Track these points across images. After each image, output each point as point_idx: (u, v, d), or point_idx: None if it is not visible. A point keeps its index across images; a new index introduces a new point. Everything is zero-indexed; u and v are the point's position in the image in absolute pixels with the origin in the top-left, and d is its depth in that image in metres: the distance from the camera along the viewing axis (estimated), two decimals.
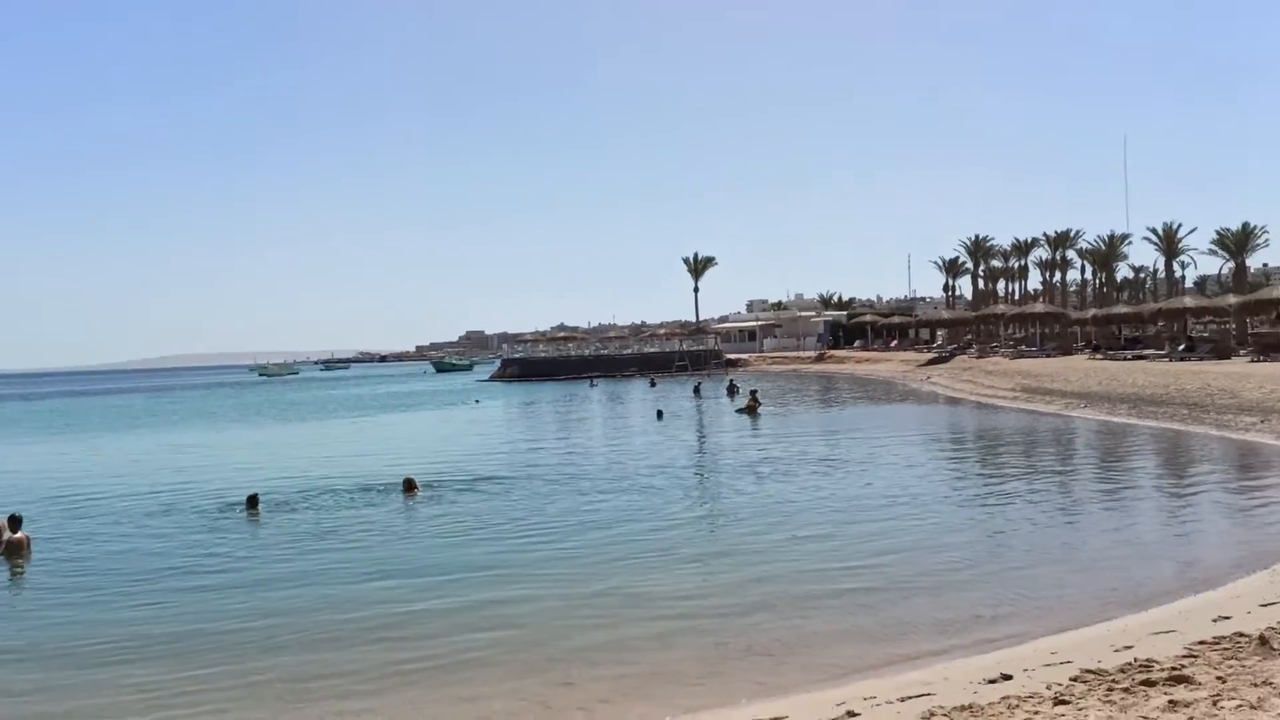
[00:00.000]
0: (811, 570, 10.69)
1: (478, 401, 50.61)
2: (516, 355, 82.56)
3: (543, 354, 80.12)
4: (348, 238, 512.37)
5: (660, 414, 33.87)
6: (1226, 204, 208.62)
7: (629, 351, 79.71)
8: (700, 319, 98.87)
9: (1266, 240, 60.22)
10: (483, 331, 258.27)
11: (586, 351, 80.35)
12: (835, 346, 78.15)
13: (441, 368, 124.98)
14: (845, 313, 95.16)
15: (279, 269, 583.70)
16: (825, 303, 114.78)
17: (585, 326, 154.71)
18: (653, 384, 58.04)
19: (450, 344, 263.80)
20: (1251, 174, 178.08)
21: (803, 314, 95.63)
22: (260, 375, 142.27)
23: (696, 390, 47.12)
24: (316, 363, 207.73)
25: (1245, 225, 59.98)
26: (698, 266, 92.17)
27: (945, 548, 11.60)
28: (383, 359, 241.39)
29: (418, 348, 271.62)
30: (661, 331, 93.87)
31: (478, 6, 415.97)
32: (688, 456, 22.62)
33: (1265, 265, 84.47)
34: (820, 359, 72.39)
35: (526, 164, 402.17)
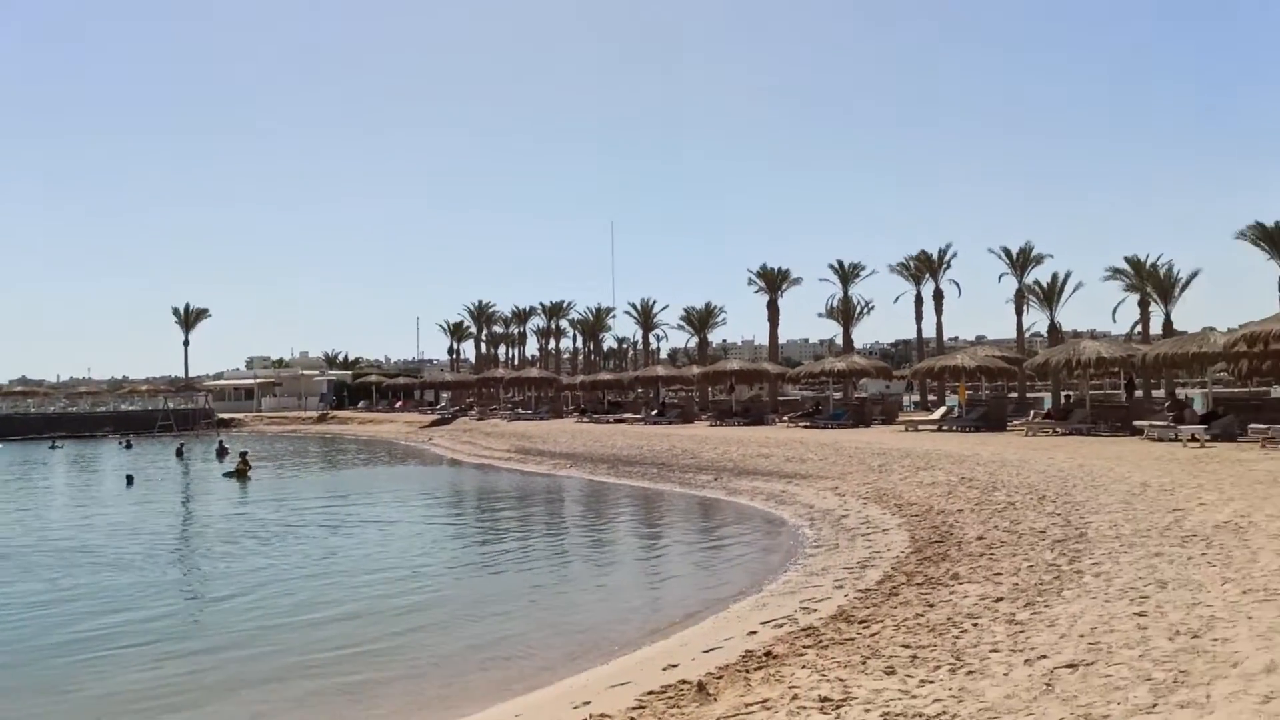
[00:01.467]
0: (277, 652, 9.98)
1: None
2: None
3: None
4: None
5: (130, 479, 30.31)
6: (693, 285, 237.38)
7: (104, 409, 71.44)
8: (192, 375, 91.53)
9: (724, 319, 69.19)
10: None
11: (50, 408, 70.78)
12: (340, 406, 76.30)
13: None
14: (351, 372, 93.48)
15: None
16: (331, 361, 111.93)
17: (54, 380, 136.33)
18: (128, 445, 52.07)
19: None
20: (712, 259, 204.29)
21: (306, 372, 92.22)
22: None
23: (179, 452, 43.17)
24: None
25: (708, 305, 68.45)
26: (189, 318, 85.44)
27: (418, 607, 11.49)
28: None
29: None
30: (144, 388, 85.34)
31: None
32: (155, 527, 20.45)
33: (723, 340, 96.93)
34: (323, 419, 70.19)
35: None
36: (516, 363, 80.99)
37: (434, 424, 55.90)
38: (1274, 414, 23.87)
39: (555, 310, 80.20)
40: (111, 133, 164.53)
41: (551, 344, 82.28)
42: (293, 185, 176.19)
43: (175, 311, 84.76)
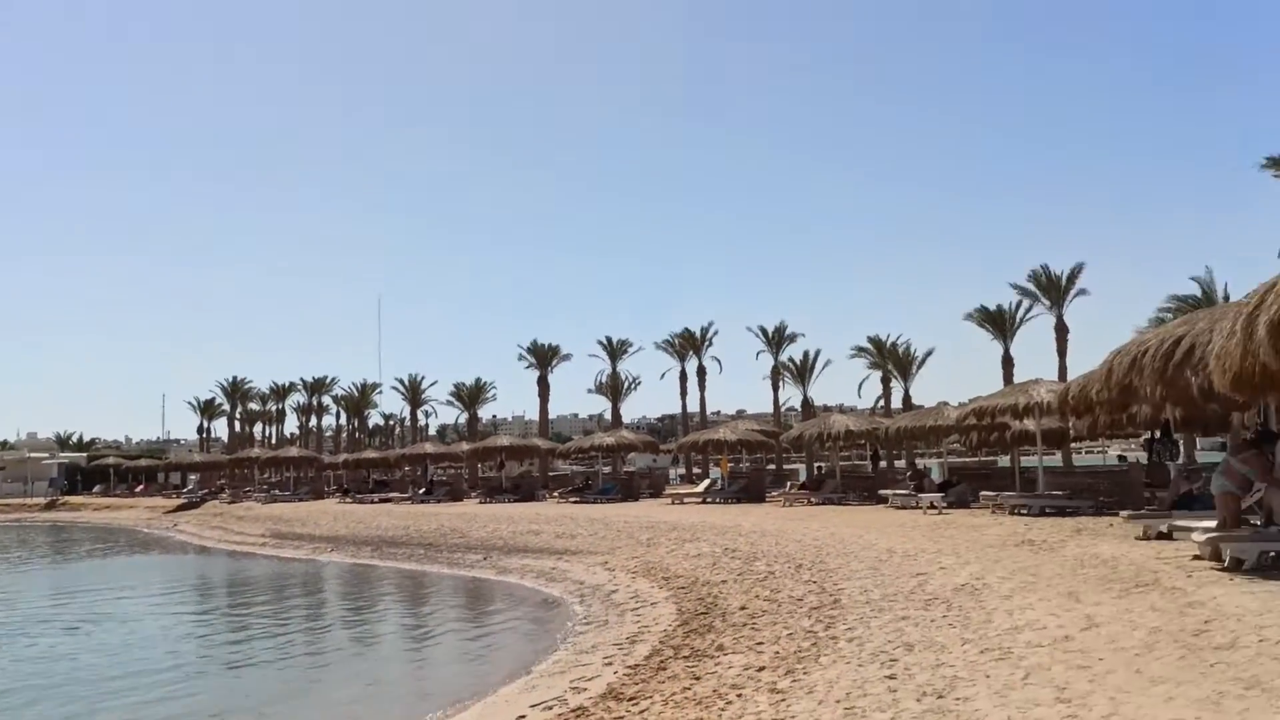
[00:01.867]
0: None
1: None
2: None
3: None
4: None
5: None
6: (464, 361, 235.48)
7: None
8: None
9: (495, 395, 68.90)
10: None
11: None
12: (72, 491, 69.90)
13: None
14: (86, 454, 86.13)
15: None
16: (63, 443, 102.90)
17: None
18: None
19: None
20: (483, 335, 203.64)
21: (33, 455, 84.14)
22: None
23: None
24: None
25: (478, 380, 67.96)
26: None
27: (168, 716, 10.57)
28: None
29: None
30: None
31: None
32: None
33: (493, 416, 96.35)
34: (52, 506, 64.06)
35: None
36: (274, 441, 77.17)
37: (180, 508, 52.13)
38: (1001, 482, 26.09)
39: (317, 386, 77.33)
40: None
41: (313, 421, 79.11)
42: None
43: None
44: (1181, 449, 23.63)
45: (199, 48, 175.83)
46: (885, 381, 56.80)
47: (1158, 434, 18.68)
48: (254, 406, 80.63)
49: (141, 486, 67.37)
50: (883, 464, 39.05)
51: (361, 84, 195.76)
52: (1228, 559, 10.90)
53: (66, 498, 66.91)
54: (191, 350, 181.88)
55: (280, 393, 78.67)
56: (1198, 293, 41.85)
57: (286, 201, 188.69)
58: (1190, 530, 12.57)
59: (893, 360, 56.22)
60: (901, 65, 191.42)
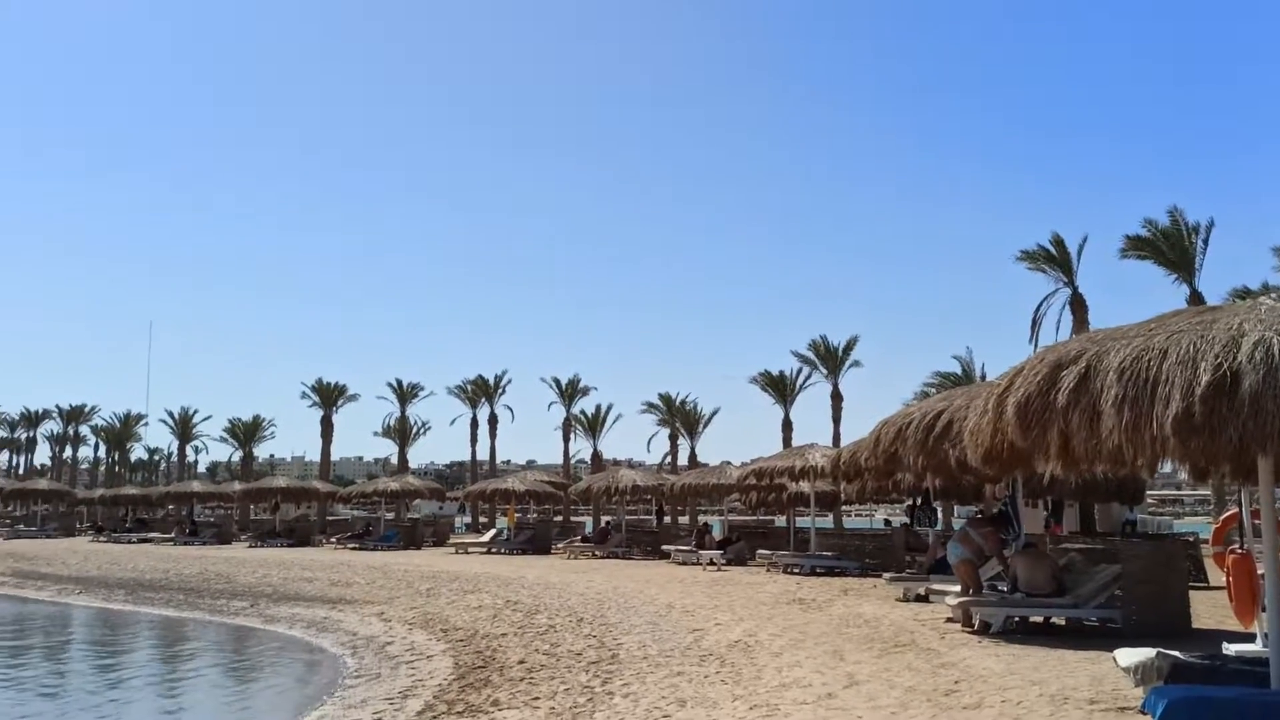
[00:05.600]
0: None
1: None
2: None
3: None
4: None
5: None
6: (241, 397, 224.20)
7: None
8: None
9: (273, 433, 65.95)
10: None
11: None
12: None
13: None
14: None
15: None
16: None
17: None
18: None
19: None
20: (264, 371, 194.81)
21: None
22: None
23: None
24: None
25: (256, 417, 64.81)
26: None
27: None
28: None
29: None
30: None
31: None
32: None
33: (272, 456, 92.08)
34: None
35: None
36: (23, 472, 70.86)
37: None
38: (778, 541, 27.07)
39: (75, 414, 71.78)
40: None
41: (68, 453, 73.29)
42: None
43: None
44: (940, 516, 25.26)
45: None
46: (673, 438, 58.23)
47: (919, 500, 19.91)
48: (3, 434, 73.97)
49: None
50: (667, 519, 39.79)
51: (141, 96, 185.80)
52: (977, 623, 11.72)
53: None
54: None
55: (32, 419, 72.52)
56: (959, 370, 45.25)
57: (54, 210, 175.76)
58: (945, 594, 13.46)
59: (680, 418, 57.73)
60: (710, 101, 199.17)
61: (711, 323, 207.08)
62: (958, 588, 13.06)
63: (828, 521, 41.40)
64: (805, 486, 24.34)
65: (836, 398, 51.31)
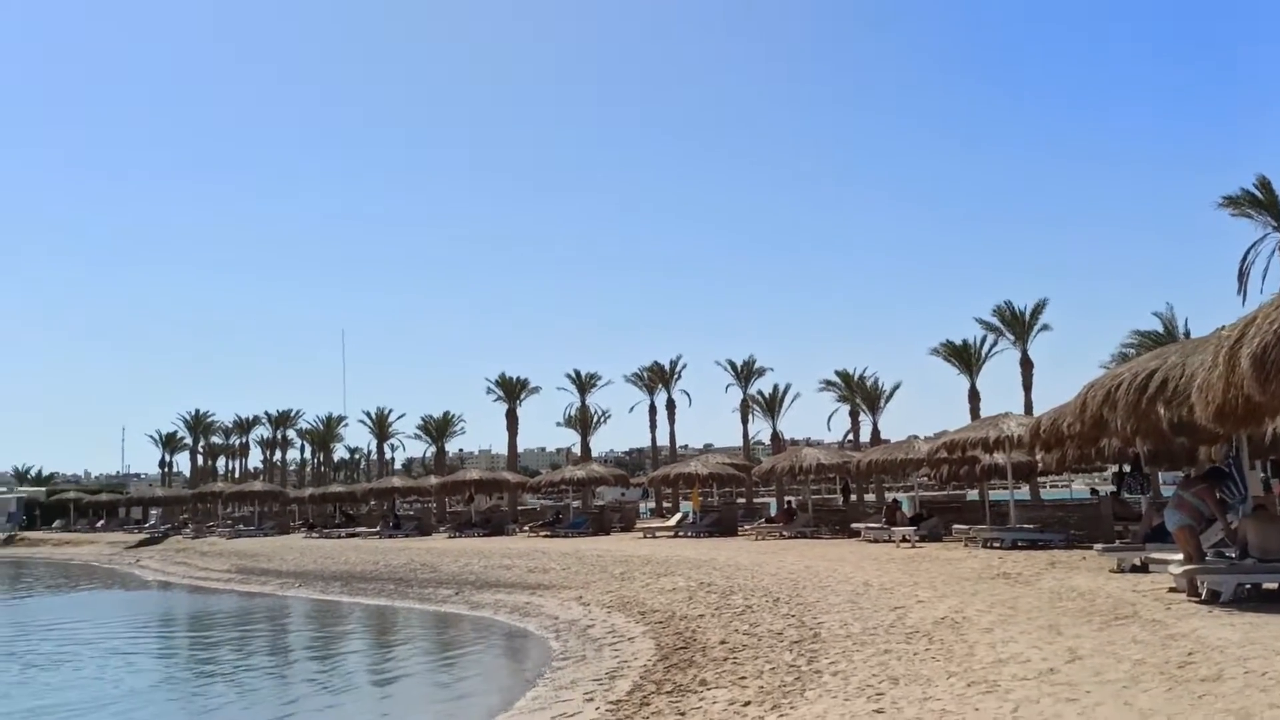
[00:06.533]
0: None
1: None
2: None
3: None
4: None
5: None
6: (431, 395, 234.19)
7: None
8: None
9: (463, 429, 68.57)
10: None
11: None
12: (31, 527, 68.49)
13: None
14: (45, 489, 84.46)
15: None
16: (21, 477, 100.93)
17: None
18: None
19: None
20: (450, 369, 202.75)
21: None
22: None
23: None
24: None
25: (446, 413, 67.56)
26: None
27: None
28: None
29: None
30: None
31: None
32: None
33: (460, 450, 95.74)
34: (10, 541, 62.74)
35: None
36: (238, 476, 76.13)
37: (142, 544, 51.19)
38: (973, 515, 26.20)
39: (282, 419, 76.51)
40: None
41: (278, 455, 78.20)
42: None
43: None
44: (1149, 483, 23.88)
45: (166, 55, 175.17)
46: (854, 415, 57.13)
47: (1128, 467, 18.85)
48: (217, 440, 79.68)
49: (102, 522, 66.14)
50: (853, 497, 39.17)
51: (321, 116, 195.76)
52: (1205, 592, 11.00)
53: (25, 533, 65.52)
54: (151, 383, 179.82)
55: (244, 426, 77.78)
56: (1159, 328, 42.55)
57: (249, 233, 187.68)
58: (1166, 563, 12.69)
59: (861, 394, 56.57)
60: (878, 88, 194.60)
61: (887, 296, 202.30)
62: (1179, 556, 12.29)
63: (1023, 493, 39.82)
64: (1000, 458, 23.47)
65: (1026, 364, 49.10)
